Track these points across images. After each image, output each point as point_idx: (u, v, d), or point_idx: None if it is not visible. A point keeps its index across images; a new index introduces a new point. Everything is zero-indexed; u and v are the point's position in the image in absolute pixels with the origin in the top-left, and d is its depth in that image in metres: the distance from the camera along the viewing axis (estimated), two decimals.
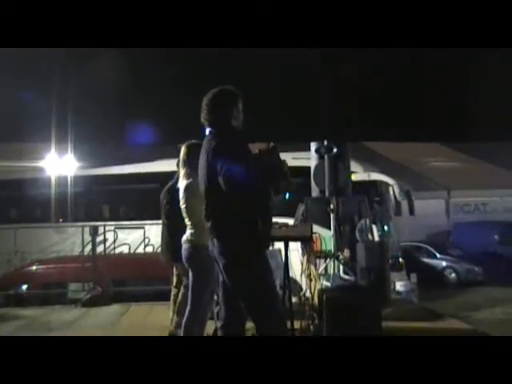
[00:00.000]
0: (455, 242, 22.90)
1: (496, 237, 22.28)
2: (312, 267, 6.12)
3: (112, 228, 12.45)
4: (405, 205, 13.71)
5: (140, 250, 12.71)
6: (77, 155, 13.88)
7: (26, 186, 13.91)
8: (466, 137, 7.34)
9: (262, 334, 3.81)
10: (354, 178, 10.68)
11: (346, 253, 7.77)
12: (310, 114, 5.66)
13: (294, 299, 5.46)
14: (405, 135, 6.62)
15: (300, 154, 10.80)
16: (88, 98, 5.49)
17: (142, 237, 12.58)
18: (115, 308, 8.77)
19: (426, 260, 20.43)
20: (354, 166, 11.62)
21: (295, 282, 6.59)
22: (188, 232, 4.92)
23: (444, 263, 20.37)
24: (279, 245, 5.60)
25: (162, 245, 6.19)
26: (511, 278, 16.75)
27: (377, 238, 10.34)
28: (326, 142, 9.18)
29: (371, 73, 5.46)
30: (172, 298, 6.15)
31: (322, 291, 5.69)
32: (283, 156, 3.88)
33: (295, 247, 6.09)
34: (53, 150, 13.33)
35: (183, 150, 5.12)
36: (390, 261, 8.95)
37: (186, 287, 5.49)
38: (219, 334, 4.13)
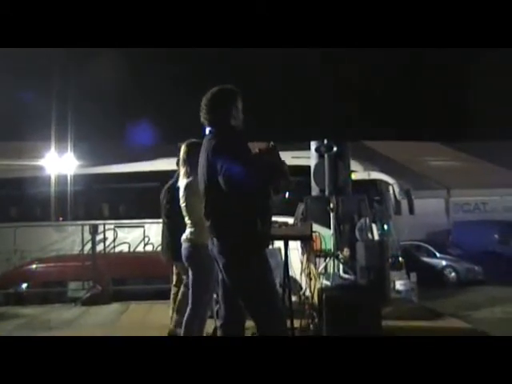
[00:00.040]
0: (455, 241, 22.93)
1: (496, 236, 22.32)
2: (312, 266, 6.13)
3: (112, 227, 12.44)
4: (405, 204, 13.71)
5: (140, 248, 12.72)
6: (77, 154, 13.89)
7: (26, 185, 13.88)
8: (466, 136, 7.35)
9: (262, 332, 3.81)
10: (353, 177, 10.66)
11: (346, 252, 7.77)
12: (310, 113, 5.66)
13: (293, 298, 5.47)
14: (405, 135, 6.62)
15: (300, 152, 10.80)
16: (88, 97, 5.48)
17: (141, 235, 12.59)
18: (115, 307, 8.77)
19: (425, 259, 20.45)
20: (354, 165, 11.62)
21: (295, 280, 6.60)
22: (188, 231, 4.92)
23: (444, 262, 20.40)
24: (279, 244, 5.61)
25: (162, 244, 6.20)
26: (511, 277, 16.76)
27: (377, 237, 10.35)
28: (325, 141, 9.17)
29: (371, 73, 5.45)
30: (172, 296, 6.15)
31: (321, 290, 5.69)
32: (282, 155, 3.89)
33: (295, 246, 6.10)
34: (53, 148, 13.35)
35: (183, 148, 5.12)
36: (390, 260, 8.97)
37: (186, 286, 5.49)
38: (219, 332, 4.13)
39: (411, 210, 13.81)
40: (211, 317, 5.27)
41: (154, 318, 7.46)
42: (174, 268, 6.08)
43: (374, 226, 10.34)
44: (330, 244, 7.57)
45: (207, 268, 4.55)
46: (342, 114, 5.69)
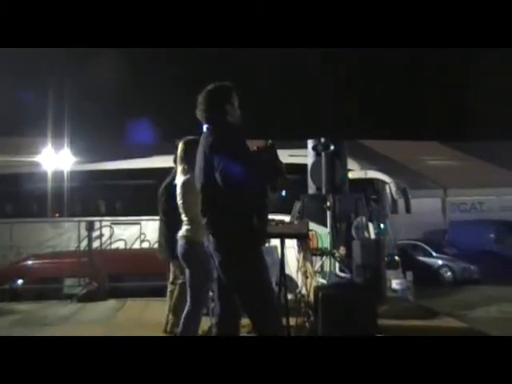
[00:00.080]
0: (451, 241, 22.94)
1: (492, 235, 22.35)
2: (308, 264, 6.13)
3: (108, 223, 12.44)
4: (401, 203, 13.75)
5: (136, 245, 12.71)
6: (73, 150, 13.86)
7: (23, 181, 13.88)
8: (466, 136, 7.37)
9: (258, 330, 3.82)
10: (350, 175, 10.68)
11: (342, 250, 7.78)
12: (309, 113, 5.67)
13: (289, 296, 5.47)
14: (405, 135, 6.64)
15: (297, 151, 10.81)
16: (85, 94, 5.49)
17: (138, 232, 12.59)
18: (111, 303, 8.77)
19: (421, 258, 20.47)
20: (351, 163, 11.64)
21: (291, 279, 6.60)
22: (184, 228, 4.91)
23: (440, 261, 20.41)
24: (275, 242, 5.61)
25: (159, 242, 6.18)
26: (507, 276, 16.79)
27: (373, 236, 10.38)
28: (322, 140, 9.17)
29: (371, 73, 5.46)
30: (168, 294, 6.15)
31: (317, 288, 5.70)
32: (280, 153, 3.88)
33: (291, 244, 6.09)
34: (49, 144, 13.30)
35: (180, 146, 5.10)
36: (386, 259, 8.97)
37: (181, 287, 5.52)
38: (214, 330, 4.12)
39: (408, 209, 13.84)
40: (206, 314, 5.26)
41: (150, 315, 7.46)
42: (171, 265, 6.07)
43: (370, 224, 10.37)
44: (326, 242, 7.59)
45: (204, 265, 4.54)
46: (341, 113, 5.69)
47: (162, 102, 5.50)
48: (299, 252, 6.22)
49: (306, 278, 6.01)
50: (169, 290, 6.15)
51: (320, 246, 6.76)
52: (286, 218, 6.97)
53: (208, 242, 3.88)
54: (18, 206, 14.15)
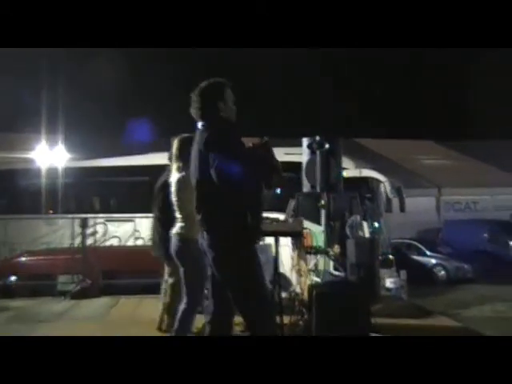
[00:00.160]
0: (445, 240, 23.00)
1: (485, 235, 22.44)
2: (302, 263, 6.13)
3: (102, 220, 12.41)
4: (396, 202, 13.77)
5: (130, 242, 12.68)
6: (68, 147, 13.83)
7: (17, 177, 13.82)
8: (465, 136, 7.39)
9: (251, 328, 3.81)
10: (345, 174, 10.67)
11: (337, 249, 7.77)
12: (309, 113, 5.67)
13: (283, 294, 5.47)
14: (404, 134, 6.65)
15: (292, 149, 10.80)
16: (80, 90, 5.47)
17: (132, 229, 12.56)
18: (104, 300, 8.75)
19: (415, 257, 20.52)
20: (346, 162, 11.64)
21: (285, 277, 6.60)
22: (178, 225, 4.90)
23: (434, 260, 20.47)
24: (270, 240, 5.61)
25: (153, 240, 6.15)
26: (500, 275, 16.86)
27: (367, 235, 10.38)
28: (317, 138, 9.16)
29: (371, 73, 5.46)
30: (162, 291, 6.13)
31: (311, 287, 5.69)
32: (275, 151, 3.88)
33: (286, 242, 6.09)
34: (44, 141, 13.26)
35: (175, 143, 5.09)
36: (380, 257, 8.98)
37: (172, 287, 5.52)
38: (207, 328, 4.10)
39: (402, 208, 13.87)
40: (200, 312, 5.25)
41: (143, 312, 7.44)
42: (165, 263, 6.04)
43: (364, 223, 10.37)
44: (320, 241, 7.58)
45: (198, 263, 4.53)
46: (341, 113, 5.70)
47: (161, 101, 5.49)
48: (293, 250, 6.22)
49: (300, 276, 6.01)
50: (163, 287, 6.14)
51: (314, 244, 6.75)
52: (281, 216, 6.97)
53: (202, 239, 3.87)
54: (12, 203, 14.09)
